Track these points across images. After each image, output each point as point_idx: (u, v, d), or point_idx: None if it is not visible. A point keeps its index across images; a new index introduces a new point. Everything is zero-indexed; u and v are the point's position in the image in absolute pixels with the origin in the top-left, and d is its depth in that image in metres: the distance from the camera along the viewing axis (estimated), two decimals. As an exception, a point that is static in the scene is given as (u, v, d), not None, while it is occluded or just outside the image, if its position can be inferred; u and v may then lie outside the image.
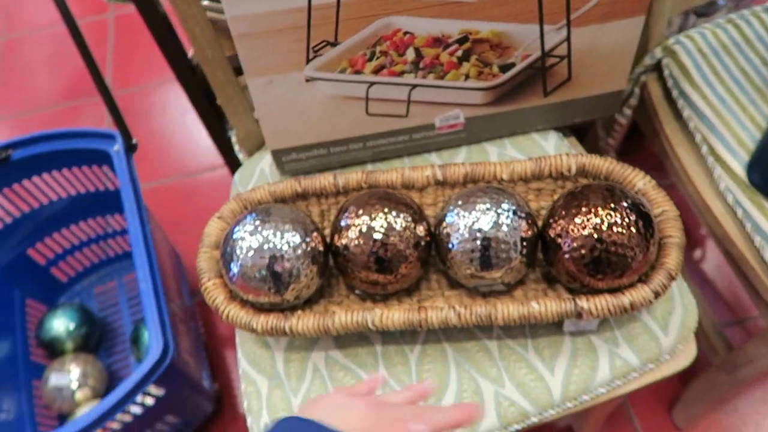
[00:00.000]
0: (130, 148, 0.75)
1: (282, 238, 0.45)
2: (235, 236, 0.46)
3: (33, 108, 1.27)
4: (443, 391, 0.47)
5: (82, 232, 0.90)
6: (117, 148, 0.75)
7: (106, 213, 0.89)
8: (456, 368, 0.48)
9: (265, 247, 0.45)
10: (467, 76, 0.55)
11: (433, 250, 0.49)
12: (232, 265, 0.46)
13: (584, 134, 0.81)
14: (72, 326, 0.83)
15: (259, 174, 0.62)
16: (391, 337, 0.49)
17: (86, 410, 0.77)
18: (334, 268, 0.50)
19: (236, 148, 0.68)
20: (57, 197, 0.84)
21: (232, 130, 0.80)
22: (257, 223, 0.46)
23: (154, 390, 0.62)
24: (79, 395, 0.78)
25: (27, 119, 1.26)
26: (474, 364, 0.48)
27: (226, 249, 0.46)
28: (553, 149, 0.60)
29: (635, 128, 0.75)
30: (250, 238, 0.45)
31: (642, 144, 0.97)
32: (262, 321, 0.45)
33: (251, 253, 0.45)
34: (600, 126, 0.78)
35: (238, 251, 0.45)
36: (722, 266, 0.92)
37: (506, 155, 0.60)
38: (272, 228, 0.45)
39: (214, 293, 0.47)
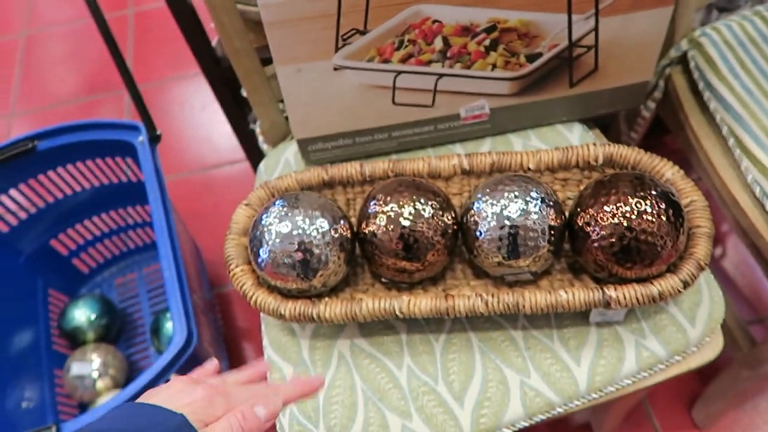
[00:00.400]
0: (154, 139, 0.76)
1: (311, 224, 0.45)
2: (264, 222, 0.46)
3: (53, 102, 1.29)
4: (468, 381, 0.47)
5: (104, 223, 0.91)
6: (141, 139, 0.75)
7: (127, 205, 0.90)
8: (481, 358, 0.48)
9: (294, 233, 0.45)
10: (494, 66, 0.55)
11: (459, 239, 0.49)
12: (260, 251, 0.46)
13: (607, 128, 0.80)
14: (93, 316, 0.84)
15: (283, 164, 0.62)
16: (417, 325, 0.49)
17: (107, 399, 0.78)
18: (360, 256, 0.50)
19: (260, 139, 0.69)
20: (80, 188, 0.85)
21: (255, 122, 0.80)
22: (286, 209, 0.46)
23: (178, 377, 0.63)
24: (100, 384, 0.79)
25: (47, 113, 1.27)
26: (499, 354, 0.48)
27: (254, 235, 0.47)
28: (578, 141, 0.60)
29: (656, 124, 0.74)
30: (279, 224, 0.46)
31: (663, 140, 0.96)
32: (290, 307, 0.46)
33: (280, 239, 0.45)
34: (623, 119, 0.77)
35: (267, 237, 0.46)
36: (743, 264, 0.91)
37: (531, 146, 0.59)
38: (301, 214, 0.46)
39: (242, 279, 0.48)
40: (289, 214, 0.46)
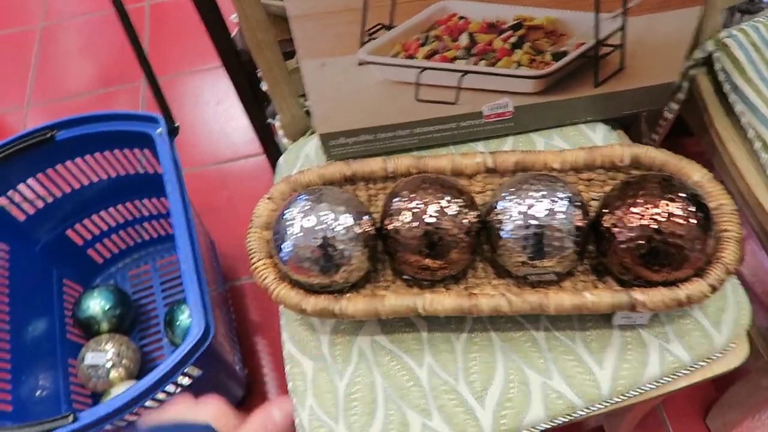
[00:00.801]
0: (172, 131, 0.76)
1: (335, 219, 0.45)
2: (287, 216, 0.46)
3: (68, 94, 1.30)
4: (490, 381, 0.46)
5: (119, 214, 0.92)
6: (160, 131, 0.75)
7: (143, 196, 0.91)
8: (503, 358, 0.47)
9: (318, 228, 0.45)
10: (519, 64, 0.54)
11: (481, 238, 0.48)
12: (283, 245, 0.46)
13: (627, 129, 0.80)
14: (108, 307, 0.85)
15: (304, 158, 0.62)
16: (438, 323, 0.49)
17: (120, 390, 0.78)
18: (381, 252, 0.50)
19: (279, 133, 0.69)
20: (97, 179, 0.85)
21: (273, 116, 0.80)
22: (310, 203, 0.46)
23: (193, 370, 0.63)
24: (113, 374, 0.79)
25: (62, 105, 1.28)
26: (521, 355, 0.47)
27: (278, 229, 0.46)
28: (601, 141, 0.59)
29: (676, 126, 0.73)
30: (303, 219, 0.45)
31: (682, 142, 0.95)
32: (312, 302, 0.46)
33: (304, 233, 0.45)
34: (644, 121, 0.76)
35: (290, 231, 0.45)
36: (760, 269, 0.90)
37: (553, 146, 0.59)
38: (325, 209, 0.45)
39: (264, 273, 0.47)
40: (313, 208, 0.46)
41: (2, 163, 0.77)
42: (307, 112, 0.65)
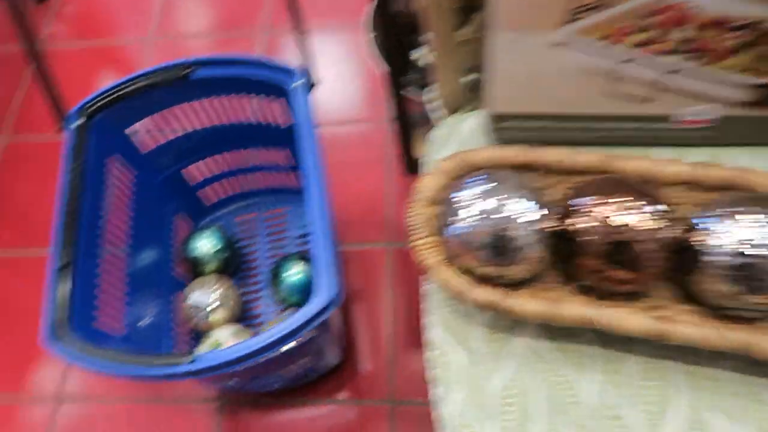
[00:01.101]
0: (309, 86, 0.74)
1: (518, 208, 0.41)
2: (463, 195, 0.43)
3: (185, 33, 1.31)
4: (664, 417, 0.42)
5: (233, 160, 0.91)
6: (298, 84, 0.74)
7: (259, 146, 0.90)
8: (681, 394, 0.42)
9: (499, 214, 0.41)
10: (736, 69, 0.48)
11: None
12: (455, 226, 0.43)
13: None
14: (217, 248, 0.85)
15: (458, 136, 0.58)
16: (608, 339, 0.45)
17: (221, 332, 0.79)
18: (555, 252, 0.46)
19: (431, 105, 0.65)
20: (220, 123, 0.85)
21: (422, 89, 0.77)
22: (492, 186, 0.42)
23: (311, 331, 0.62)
24: (216, 316, 0.80)
25: (180, 43, 1.29)
26: (703, 393, 0.42)
27: (450, 208, 0.43)
28: (805, 169, 0.52)
29: None
30: (481, 202, 0.42)
31: None
32: (477, 293, 0.42)
33: (481, 217, 0.42)
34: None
35: (465, 213, 0.42)
36: None
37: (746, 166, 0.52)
38: (509, 195, 0.42)
39: (426, 252, 0.44)
40: (495, 191, 0.42)
41: (136, 94, 0.77)
42: (473, 87, 0.61)
